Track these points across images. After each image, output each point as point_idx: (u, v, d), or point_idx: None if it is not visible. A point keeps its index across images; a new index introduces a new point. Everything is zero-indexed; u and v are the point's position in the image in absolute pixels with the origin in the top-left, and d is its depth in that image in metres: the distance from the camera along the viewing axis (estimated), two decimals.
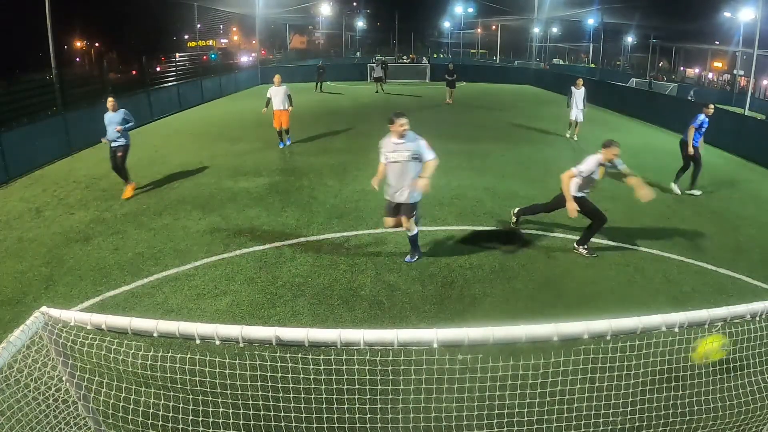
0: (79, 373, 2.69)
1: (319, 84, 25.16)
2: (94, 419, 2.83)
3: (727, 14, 31.58)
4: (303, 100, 21.34)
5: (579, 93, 13.55)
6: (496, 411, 3.32)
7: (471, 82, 30.28)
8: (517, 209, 7.22)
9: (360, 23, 63.34)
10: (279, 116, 12.17)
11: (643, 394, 3.43)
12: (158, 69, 19.23)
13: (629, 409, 3.36)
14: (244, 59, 34.52)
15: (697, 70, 50.74)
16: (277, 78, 12.26)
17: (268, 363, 3.78)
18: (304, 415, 3.38)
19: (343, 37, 54.92)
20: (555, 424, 3.27)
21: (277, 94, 12.04)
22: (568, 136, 14.07)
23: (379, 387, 2.95)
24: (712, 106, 9.55)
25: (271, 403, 3.28)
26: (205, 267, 6.07)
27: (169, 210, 7.98)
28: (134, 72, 19.64)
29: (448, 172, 10.17)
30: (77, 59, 48.02)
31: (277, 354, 3.75)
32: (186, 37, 44.02)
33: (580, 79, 13.84)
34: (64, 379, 2.61)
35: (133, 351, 2.91)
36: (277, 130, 12.37)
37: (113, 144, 8.79)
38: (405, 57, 46.90)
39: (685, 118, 15.65)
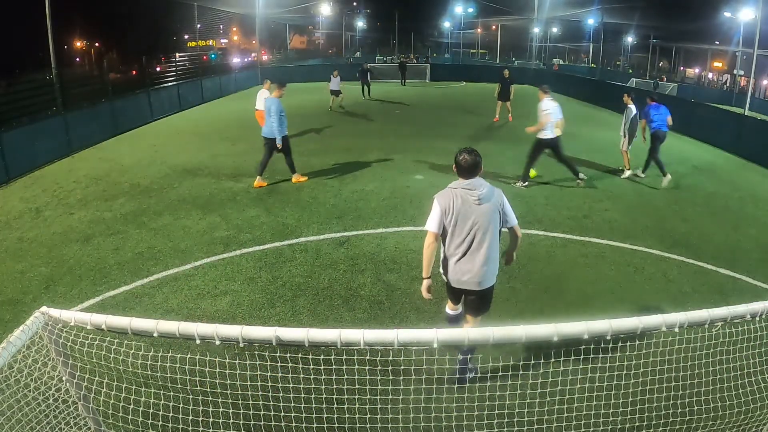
0: (79, 373, 2.69)
1: (365, 87, 21.92)
2: (94, 419, 2.83)
3: (727, 14, 31.59)
4: (303, 100, 21.30)
5: None
6: (496, 411, 3.31)
7: (471, 82, 30.32)
8: None
9: (360, 23, 63.34)
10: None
11: (643, 394, 3.43)
12: (158, 69, 19.23)
13: (629, 409, 3.36)
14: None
15: (697, 70, 50.74)
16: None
17: (268, 363, 3.78)
18: (304, 415, 3.38)
19: (343, 37, 54.94)
20: (555, 424, 3.27)
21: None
22: None
23: (379, 387, 2.95)
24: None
25: (271, 403, 3.28)
26: (205, 267, 6.07)
27: (169, 210, 7.98)
28: (134, 72, 19.61)
29: (449, 172, 10.16)
30: (77, 59, 48.04)
31: (277, 354, 3.75)
32: (186, 37, 44.04)
33: None
34: (64, 379, 2.61)
35: (133, 351, 2.91)
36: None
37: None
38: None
39: (686, 117, 15.74)
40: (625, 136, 10.13)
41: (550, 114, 8.94)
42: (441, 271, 3.95)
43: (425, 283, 3.77)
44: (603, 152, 12.46)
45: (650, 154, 9.87)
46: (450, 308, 4.17)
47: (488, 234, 3.64)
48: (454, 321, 4.16)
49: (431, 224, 3.74)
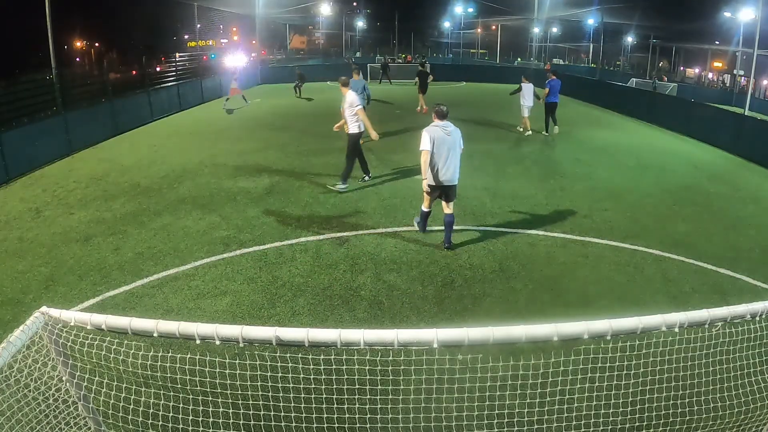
0: (79, 373, 2.69)
1: (297, 88, 23.07)
2: (94, 419, 2.83)
3: (727, 14, 31.60)
4: (301, 100, 21.34)
5: None
6: (496, 411, 3.31)
7: (471, 82, 30.28)
8: None
9: (360, 23, 63.33)
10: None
11: (643, 394, 3.43)
12: (158, 69, 19.26)
13: (629, 409, 3.36)
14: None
15: (697, 70, 50.72)
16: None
17: (268, 363, 3.78)
18: (304, 415, 3.38)
19: (343, 37, 54.89)
20: (555, 424, 3.27)
21: None
22: None
23: (379, 387, 2.95)
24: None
25: (271, 403, 3.28)
26: (205, 267, 6.07)
27: (169, 210, 7.98)
28: (134, 72, 19.63)
29: None
30: (77, 59, 48.09)
31: (277, 354, 3.75)
32: (186, 37, 44.11)
33: None
34: (64, 379, 2.61)
35: (133, 351, 2.91)
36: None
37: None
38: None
39: (686, 117, 15.76)
40: (526, 106, 13.92)
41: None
42: (429, 177, 6.17)
43: (424, 182, 6.30)
44: (604, 152, 12.48)
45: (549, 116, 14.04)
46: (425, 207, 6.64)
47: (454, 153, 6.20)
48: (425, 216, 6.79)
49: (425, 146, 6.09)
